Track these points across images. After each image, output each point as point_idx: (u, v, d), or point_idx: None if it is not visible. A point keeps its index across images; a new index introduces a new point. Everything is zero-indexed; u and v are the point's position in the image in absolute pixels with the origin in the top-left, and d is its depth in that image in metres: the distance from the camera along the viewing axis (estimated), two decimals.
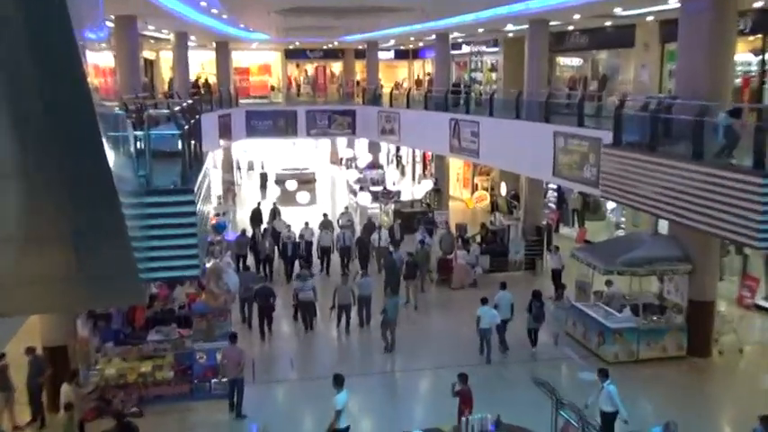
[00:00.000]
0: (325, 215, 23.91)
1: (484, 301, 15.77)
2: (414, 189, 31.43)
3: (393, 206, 27.85)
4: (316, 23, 26.82)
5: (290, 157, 41.38)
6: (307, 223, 22.52)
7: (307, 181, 37.50)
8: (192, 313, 15.42)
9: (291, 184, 31.69)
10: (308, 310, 16.91)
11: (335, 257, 21.81)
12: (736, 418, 12.74)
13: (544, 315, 15.73)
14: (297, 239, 21.33)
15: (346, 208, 25.83)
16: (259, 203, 27.02)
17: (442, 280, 21.25)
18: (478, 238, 22.74)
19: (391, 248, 20.54)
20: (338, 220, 24.32)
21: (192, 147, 10.99)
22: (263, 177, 38.94)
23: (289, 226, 22.28)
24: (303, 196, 28.74)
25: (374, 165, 36.83)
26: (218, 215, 26.00)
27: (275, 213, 25.64)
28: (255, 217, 25.98)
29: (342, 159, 45.56)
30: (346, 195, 36.43)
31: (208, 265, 16.91)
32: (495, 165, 28.91)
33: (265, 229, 22.93)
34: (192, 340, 14.46)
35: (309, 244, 21.84)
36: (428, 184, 30.49)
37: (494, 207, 29.08)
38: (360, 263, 20.95)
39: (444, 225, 25.08)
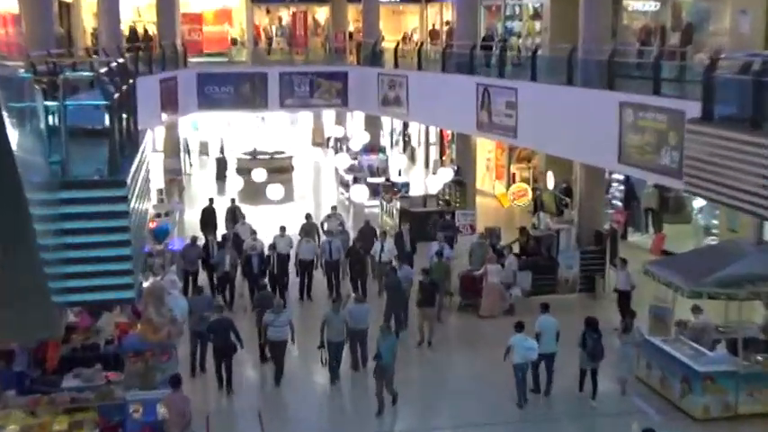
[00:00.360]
0: (307, 217, 24.33)
1: (519, 328, 16.33)
2: (427, 181, 31.65)
3: (399, 204, 28.18)
4: None
5: (258, 137, 42.25)
6: (282, 229, 22.88)
7: (280, 170, 38.30)
8: (123, 351, 15.65)
9: (259, 174, 31.87)
10: (281, 352, 17.28)
11: (320, 276, 22.31)
12: None
13: (603, 351, 16.15)
14: (266, 251, 21.96)
15: (334, 208, 26.22)
16: (214, 201, 27.69)
17: (467, 305, 21.79)
18: (516, 248, 23.08)
19: (395, 263, 21.00)
20: (323, 224, 24.73)
21: (125, 123, 11.31)
22: (221, 165, 39.50)
23: (255, 232, 22.73)
24: (276, 191, 29.07)
25: (373, 148, 37.29)
26: (159, 216, 26.45)
27: (236, 214, 26.26)
28: (209, 219, 26.56)
29: (329, 140, 46.33)
30: (335, 190, 36.95)
31: (145, 285, 17.17)
32: (538, 148, 29.43)
33: (224, 237, 23.46)
34: (123, 387, 14.64)
35: (284, 258, 22.12)
36: (447, 175, 30.86)
37: (537, 206, 29.55)
38: (352, 283, 21.37)
39: (469, 230, 26.15)
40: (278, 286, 21.43)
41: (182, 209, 30.49)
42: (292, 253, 22.49)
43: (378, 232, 23.64)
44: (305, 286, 22.24)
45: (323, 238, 23.52)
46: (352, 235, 24.63)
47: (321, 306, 20.58)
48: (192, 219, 29.30)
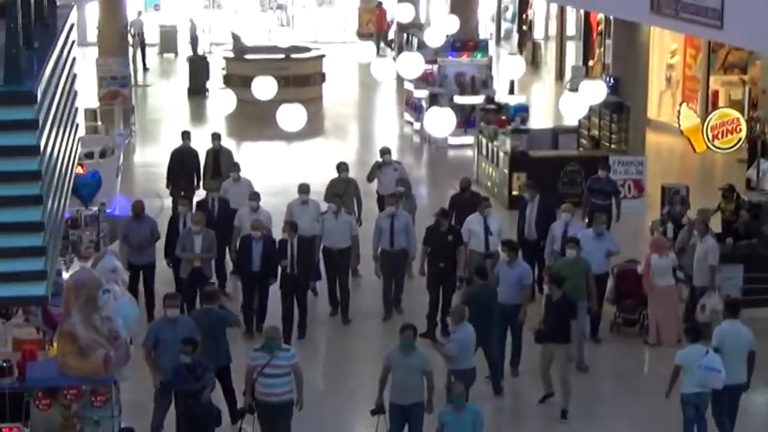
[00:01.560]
0: (340, 169, 20.38)
1: (693, 335, 14.13)
2: (561, 103, 23.94)
3: (510, 144, 23.65)
4: None
5: (261, 20, 35.44)
6: (304, 190, 18.80)
7: (301, 79, 30.62)
8: (28, 388, 12.75)
9: (264, 87, 23.16)
10: (279, 424, 13.79)
11: (367, 277, 19.20)
12: None
13: None
14: (276, 233, 18.49)
15: (387, 154, 21.00)
16: (190, 137, 22.54)
17: (627, 322, 18.02)
18: (717, 224, 19.53)
19: (503, 256, 16.94)
20: (375, 176, 20.97)
21: None
22: (198, 69, 32.26)
23: (257, 197, 18.79)
24: (292, 116, 20.58)
25: (465, 43, 29.84)
26: (90, 158, 21.96)
27: (220, 163, 21.62)
28: (183, 171, 22.07)
29: (388, 29, 38.52)
30: (397, 116, 30.48)
31: (66, 276, 14.23)
32: (760, 48, 23.50)
33: (199, 204, 19.68)
34: None
35: (309, 245, 18.10)
36: (596, 92, 23.08)
37: (756, 150, 24.08)
38: (433, 295, 17.61)
39: (632, 189, 21.04)
40: (297, 299, 17.60)
41: (128, 144, 25.44)
42: (318, 236, 18.51)
43: (481, 201, 18.83)
44: (335, 295, 18.74)
45: (375, 212, 19.85)
46: (425, 203, 20.92)
47: (371, 333, 17.04)
48: (147, 161, 24.75)
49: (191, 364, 13.54)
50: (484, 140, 25.28)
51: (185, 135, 22.67)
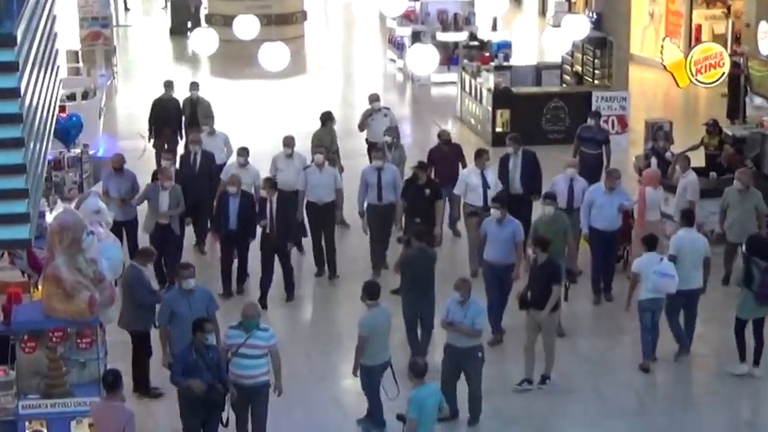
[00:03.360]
0: (325, 119, 19.82)
1: (649, 244, 14.64)
2: (546, 39, 24.29)
3: (493, 81, 23.35)
4: None
5: None
6: (289, 143, 18.31)
7: (283, 18, 30.03)
8: (14, 331, 12.78)
9: (246, 26, 23.48)
10: (254, 408, 12.95)
11: (354, 233, 18.86)
12: None
13: None
14: (255, 187, 18.05)
15: (377, 101, 20.66)
16: (172, 87, 21.90)
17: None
18: (699, 159, 19.60)
19: (495, 212, 16.02)
20: (366, 124, 20.79)
21: None
22: (179, 6, 31.78)
23: (245, 152, 18.03)
24: (274, 55, 20.53)
25: None
26: (71, 100, 21.68)
27: (195, 110, 20.96)
28: (165, 122, 21.45)
29: None
30: (381, 54, 30.12)
31: (50, 217, 14.27)
32: None
33: (182, 158, 19.14)
34: (15, 393, 12.26)
35: (291, 200, 17.44)
36: (580, 27, 23.45)
37: (739, 84, 23.76)
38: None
39: (615, 125, 20.93)
40: (280, 260, 17.03)
41: (110, 86, 25.41)
42: (300, 190, 17.90)
43: (482, 154, 18.11)
44: (321, 253, 18.15)
45: (360, 164, 19.74)
46: (408, 142, 20.90)
47: (356, 294, 14.91)
48: (130, 102, 24.41)
49: (204, 348, 12.36)
50: (467, 77, 25.06)
51: (168, 84, 22.07)
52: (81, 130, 19.81)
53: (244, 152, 18.07)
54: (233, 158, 18.82)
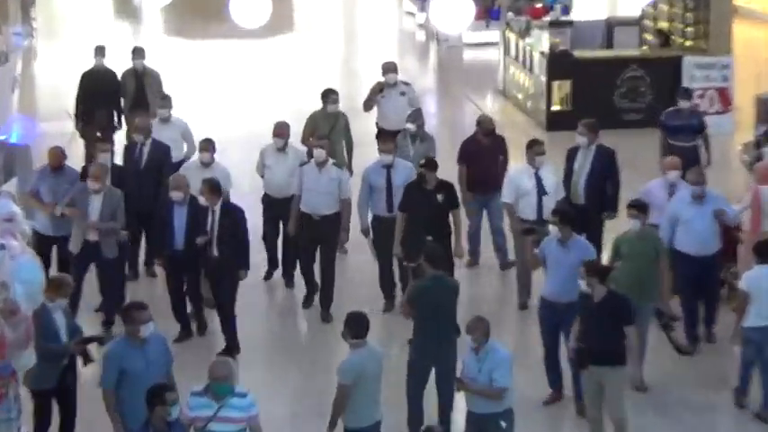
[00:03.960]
0: (326, 97, 16.92)
1: (762, 254, 12.63)
2: None
3: (548, 42, 21.20)
4: None
5: None
6: (281, 131, 15.77)
7: None
8: None
9: None
10: None
11: (358, 252, 16.63)
12: None
13: None
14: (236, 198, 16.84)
15: (392, 72, 17.72)
16: (104, 52, 19.51)
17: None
18: None
19: (553, 229, 13.35)
20: (374, 103, 18.52)
21: None
22: None
23: (210, 145, 15.60)
24: (250, 6, 17.63)
25: None
26: None
27: (142, 85, 18.70)
28: (93, 99, 18.95)
29: None
30: (392, 5, 26.71)
31: None
32: None
33: (126, 150, 17.00)
34: None
35: (282, 209, 15.78)
36: None
37: None
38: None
39: (716, 102, 19.63)
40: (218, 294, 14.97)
41: (28, 48, 22.94)
42: (295, 196, 15.67)
43: (532, 145, 15.56)
44: (312, 281, 15.56)
45: (366, 162, 16.32)
46: (432, 130, 18.05)
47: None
48: (53, 70, 21.74)
49: (165, 428, 10.40)
50: (512, 37, 23.33)
51: (99, 50, 19.81)
52: None
53: (208, 145, 15.58)
54: (196, 155, 16.45)
